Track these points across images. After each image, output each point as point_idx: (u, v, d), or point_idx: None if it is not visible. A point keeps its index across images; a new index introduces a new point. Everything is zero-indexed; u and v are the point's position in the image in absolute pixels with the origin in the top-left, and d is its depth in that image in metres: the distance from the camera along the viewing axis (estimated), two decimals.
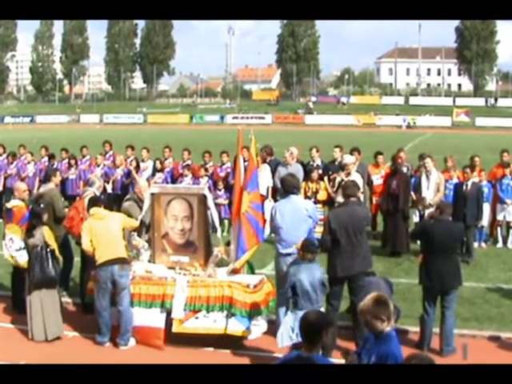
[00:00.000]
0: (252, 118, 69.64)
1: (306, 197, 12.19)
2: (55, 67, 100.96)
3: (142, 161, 15.69)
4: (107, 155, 16.69)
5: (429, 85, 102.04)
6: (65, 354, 7.87)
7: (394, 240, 12.51)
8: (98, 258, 8.08)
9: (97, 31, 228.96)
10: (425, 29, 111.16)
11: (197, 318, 8.02)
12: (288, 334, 7.03)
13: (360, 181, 10.93)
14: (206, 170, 14.82)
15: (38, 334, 8.28)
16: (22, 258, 8.71)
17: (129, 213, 8.92)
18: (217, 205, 12.05)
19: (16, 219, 9.25)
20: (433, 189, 12.36)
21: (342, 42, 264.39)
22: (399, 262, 12.00)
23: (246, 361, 7.64)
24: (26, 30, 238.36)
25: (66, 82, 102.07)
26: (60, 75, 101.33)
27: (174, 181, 14.70)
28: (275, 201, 11.76)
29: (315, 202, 11.99)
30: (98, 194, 9.59)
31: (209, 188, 10.61)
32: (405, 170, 13.65)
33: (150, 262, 8.66)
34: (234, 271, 8.24)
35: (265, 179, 12.69)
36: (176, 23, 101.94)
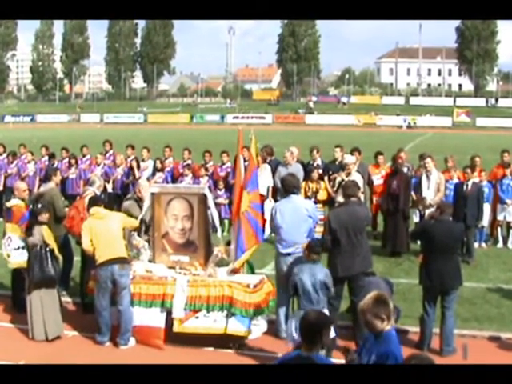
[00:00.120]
0: (252, 117, 69.57)
1: (306, 197, 12.19)
2: (55, 66, 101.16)
3: (143, 160, 15.68)
4: (107, 155, 16.69)
5: (429, 85, 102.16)
6: (65, 354, 7.87)
7: (394, 240, 12.49)
8: (98, 257, 8.07)
9: (97, 30, 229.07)
10: (425, 29, 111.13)
11: (197, 317, 8.01)
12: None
13: (360, 181, 10.93)
14: (207, 169, 14.81)
15: (38, 334, 8.29)
16: (22, 257, 8.71)
17: (129, 212, 8.92)
18: (217, 204, 12.05)
19: (15, 218, 9.24)
20: (433, 189, 12.34)
21: (343, 41, 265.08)
22: (399, 262, 11.99)
23: (245, 361, 7.64)
24: (27, 30, 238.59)
25: (66, 81, 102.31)
26: (60, 74, 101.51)
27: (174, 180, 14.70)
28: (275, 201, 11.75)
29: (315, 202, 11.98)
30: (98, 193, 9.59)
31: (209, 188, 10.60)
32: (405, 170, 13.63)
33: (150, 261, 8.66)
34: (234, 271, 8.24)
35: (265, 179, 12.68)
36: (176, 23, 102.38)
